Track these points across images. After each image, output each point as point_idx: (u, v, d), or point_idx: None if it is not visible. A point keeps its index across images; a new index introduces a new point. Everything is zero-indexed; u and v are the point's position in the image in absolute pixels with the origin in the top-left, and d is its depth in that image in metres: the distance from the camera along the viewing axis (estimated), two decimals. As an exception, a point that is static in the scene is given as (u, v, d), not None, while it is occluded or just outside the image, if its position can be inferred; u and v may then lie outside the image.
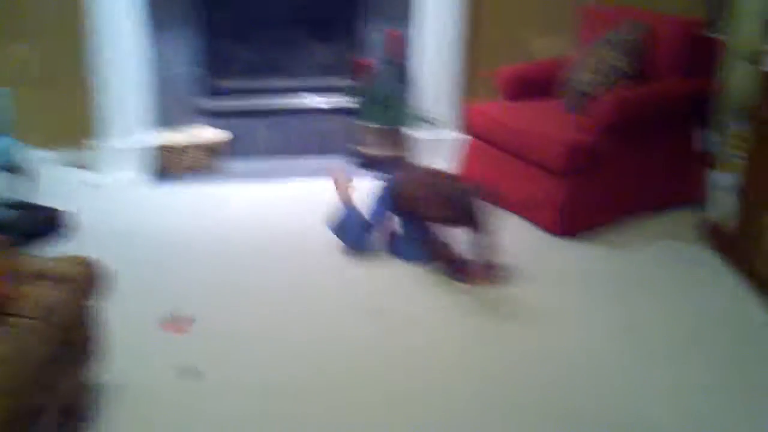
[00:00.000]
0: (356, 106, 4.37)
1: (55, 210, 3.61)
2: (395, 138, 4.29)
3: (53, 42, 4.35)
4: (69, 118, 4.48)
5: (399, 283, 3.10)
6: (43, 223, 3.52)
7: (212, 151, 4.38)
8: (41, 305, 2.00)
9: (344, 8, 4.50)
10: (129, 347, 2.56)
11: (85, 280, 2.22)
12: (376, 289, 3.06)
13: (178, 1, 4.33)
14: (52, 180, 4.29)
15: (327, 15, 4.56)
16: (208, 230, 3.62)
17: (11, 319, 1.91)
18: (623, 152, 3.44)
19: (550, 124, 3.54)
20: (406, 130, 4.31)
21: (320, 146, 4.61)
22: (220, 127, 4.50)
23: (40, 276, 2.13)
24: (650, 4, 4.11)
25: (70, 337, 2.12)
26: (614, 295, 3.01)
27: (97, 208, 3.89)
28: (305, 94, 4.58)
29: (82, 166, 4.46)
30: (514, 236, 3.46)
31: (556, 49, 4.32)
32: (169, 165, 4.32)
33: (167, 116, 4.51)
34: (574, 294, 3.02)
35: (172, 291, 3.04)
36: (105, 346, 2.33)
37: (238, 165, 4.48)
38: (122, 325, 2.58)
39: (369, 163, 4.36)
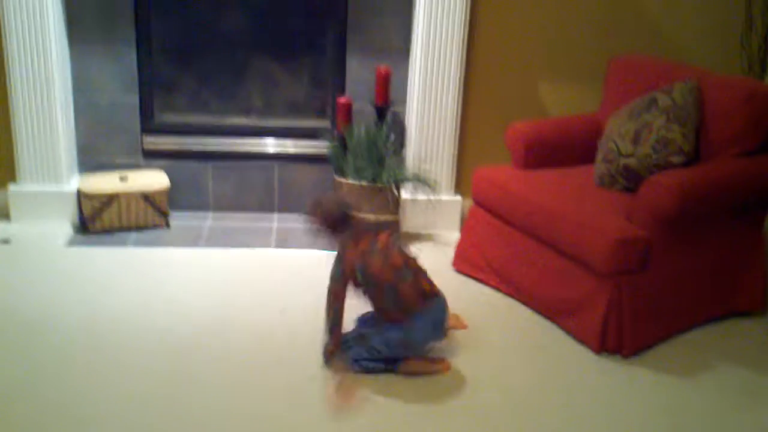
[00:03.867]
0: (333, 155, 3.58)
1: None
2: (381, 198, 3.52)
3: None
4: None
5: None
6: None
7: (148, 201, 3.52)
8: None
9: (322, 35, 3.71)
10: None
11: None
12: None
13: (108, 10, 3.47)
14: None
15: (300, 41, 3.75)
16: (144, 321, 2.77)
17: None
18: (681, 248, 2.76)
19: (586, 206, 2.83)
20: (394, 189, 3.54)
21: (283, 202, 3.80)
22: (159, 170, 3.65)
23: None
24: (680, 56, 3.53)
25: None
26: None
27: (2, 279, 3.01)
28: (267, 137, 3.76)
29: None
30: (537, 349, 2.76)
31: (574, 103, 3.66)
32: (95, 216, 3.44)
33: (94, 155, 3.64)
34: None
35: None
36: None
37: (180, 221, 3.63)
38: None
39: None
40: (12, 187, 3.49)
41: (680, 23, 3.64)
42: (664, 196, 2.62)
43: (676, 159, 2.85)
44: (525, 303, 3.02)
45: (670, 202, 2.61)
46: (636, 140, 2.95)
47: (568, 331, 2.82)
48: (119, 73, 3.56)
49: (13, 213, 3.50)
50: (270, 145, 3.75)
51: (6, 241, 3.32)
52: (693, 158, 2.88)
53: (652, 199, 2.66)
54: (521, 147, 3.22)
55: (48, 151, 3.47)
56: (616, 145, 3.01)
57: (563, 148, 3.30)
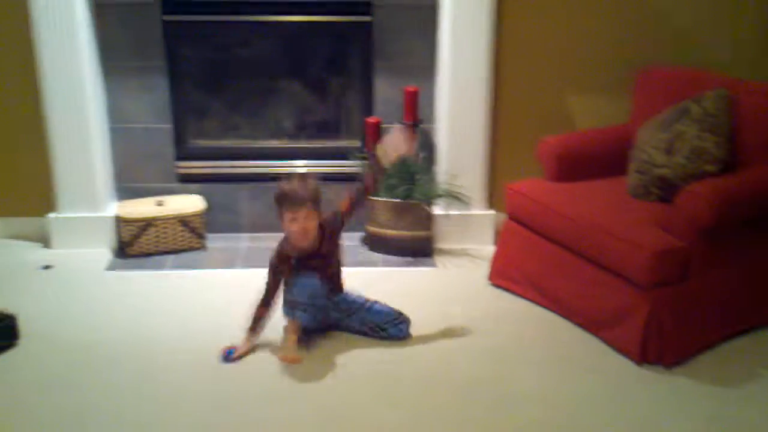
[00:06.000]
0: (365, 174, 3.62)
1: None
2: (414, 214, 3.55)
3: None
4: (13, 181, 3.65)
5: None
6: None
7: (185, 224, 3.57)
8: None
9: (349, 57, 3.77)
10: None
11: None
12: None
13: (139, 41, 3.54)
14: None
15: (328, 63, 3.81)
16: (185, 342, 2.82)
17: None
18: (719, 257, 2.77)
19: (621, 218, 2.84)
20: (426, 206, 3.57)
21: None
22: (194, 194, 3.71)
23: None
24: (709, 64, 3.52)
25: None
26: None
27: (47, 304, 3.09)
28: (298, 159, 3.80)
29: (29, 240, 3.64)
30: (577, 361, 2.76)
31: (603, 115, 3.67)
32: (133, 241, 3.50)
33: (131, 181, 3.72)
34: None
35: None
36: None
37: (217, 243, 3.68)
38: None
39: (381, 245, 3.62)
40: (52, 215, 3.56)
41: (708, 31, 3.64)
42: (701, 206, 2.63)
43: (710, 168, 2.86)
44: (563, 316, 3.03)
45: (708, 212, 2.62)
46: (669, 150, 2.96)
47: (608, 343, 2.82)
48: (152, 101, 3.63)
49: (54, 240, 3.57)
50: (302, 166, 3.80)
51: (48, 267, 3.39)
52: (727, 166, 2.89)
53: (689, 209, 2.67)
54: (553, 160, 3.24)
55: (86, 179, 3.53)
56: (649, 156, 3.02)
57: (594, 160, 3.32)
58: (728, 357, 2.79)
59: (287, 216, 2.68)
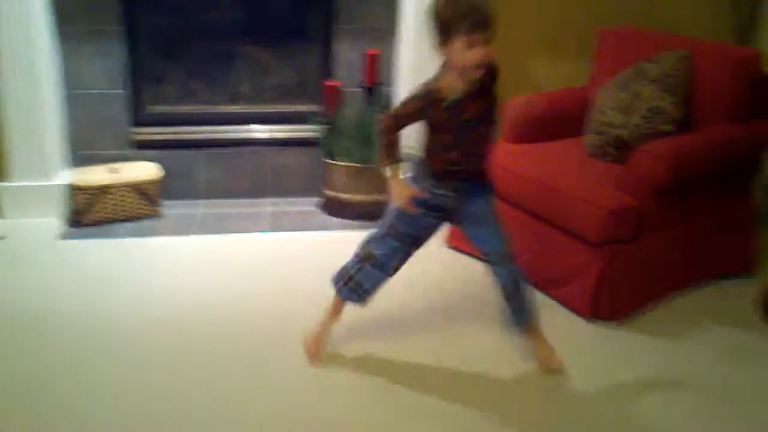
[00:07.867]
0: (323, 139, 3.57)
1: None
2: (370, 179, 3.50)
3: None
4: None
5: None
6: None
7: (140, 192, 3.51)
8: None
9: (309, 20, 3.69)
10: None
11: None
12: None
13: (95, 4, 3.45)
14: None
15: (287, 27, 3.73)
16: (141, 310, 2.76)
17: None
18: (672, 216, 2.76)
19: (577, 179, 2.82)
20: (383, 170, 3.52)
21: (275, 187, 3.79)
22: (150, 161, 3.64)
23: None
24: (668, 25, 3.48)
25: None
26: (664, 404, 2.31)
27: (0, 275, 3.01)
28: (257, 124, 3.74)
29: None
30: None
31: (565, 77, 3.62)
32: (87, 209, 3.43)
33: (85, 148, 3.64)
34: (611, 399, 2.32)
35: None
36: None
37: (173, 210, 3.62)
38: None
39: (338, 210, 3.58)
40: (3, 184, 3.48)
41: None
42: (655, 165, 2.61)
43: (666, 128, 2.83)
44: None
45: (662, 171, 2.60)
46: (626, 111, 2.93)
47: (560, 301, 2.84)
48: (108, 67, 3.55)
49: (5, 209, 3.49)
50: (260, 131, 3.74)
51: (0, 238, 3.32)
52: (683, 127, 2.87)
53: (644, 168, 2.65)
54: (512, 122, 3.21)
55: (38, 146, 3.44)
56: (607, 117, 2.99)
57: (555, 122, 3.28)
58: (676, 311, 2.84)
59: (468, 39, 2.00)
